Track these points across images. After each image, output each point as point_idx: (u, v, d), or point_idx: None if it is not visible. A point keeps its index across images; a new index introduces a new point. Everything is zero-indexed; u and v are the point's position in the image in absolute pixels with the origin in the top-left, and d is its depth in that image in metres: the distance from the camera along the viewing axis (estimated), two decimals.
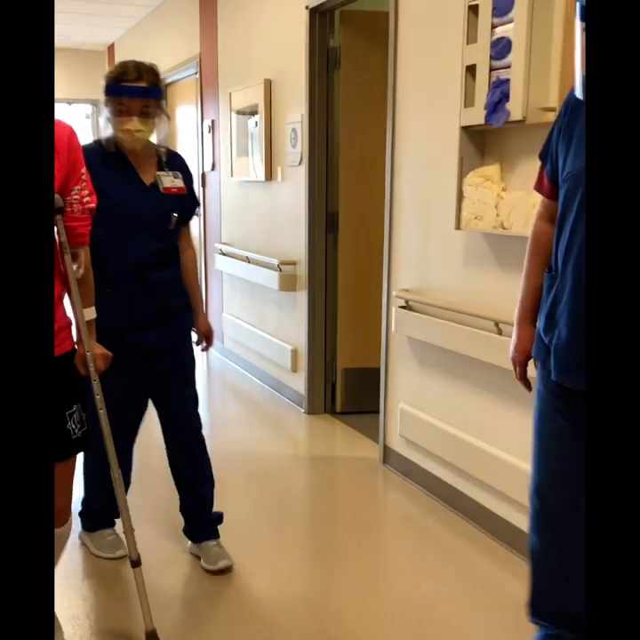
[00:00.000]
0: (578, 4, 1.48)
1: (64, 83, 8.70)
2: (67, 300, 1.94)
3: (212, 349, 2.68)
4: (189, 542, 2.75)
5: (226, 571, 2.61)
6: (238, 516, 3.03)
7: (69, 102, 9.17)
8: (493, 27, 2.54)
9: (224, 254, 5.41)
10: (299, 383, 4.52)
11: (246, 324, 5.19)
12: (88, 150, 2.43)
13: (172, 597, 2.47)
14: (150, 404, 2.64)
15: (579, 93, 1.56)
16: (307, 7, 4.02)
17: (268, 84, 4.64)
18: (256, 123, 4.86)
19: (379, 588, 2.57)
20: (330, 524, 3.08)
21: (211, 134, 5.80)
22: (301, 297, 4.41)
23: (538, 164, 1.90)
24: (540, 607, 1.92)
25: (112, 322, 2.42)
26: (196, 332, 2.70)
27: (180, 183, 2.51)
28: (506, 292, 2.70)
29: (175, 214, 2.48)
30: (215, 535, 2.71)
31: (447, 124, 2.96)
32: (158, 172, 2.48)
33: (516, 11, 2.43)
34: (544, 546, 1.88)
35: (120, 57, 8.42)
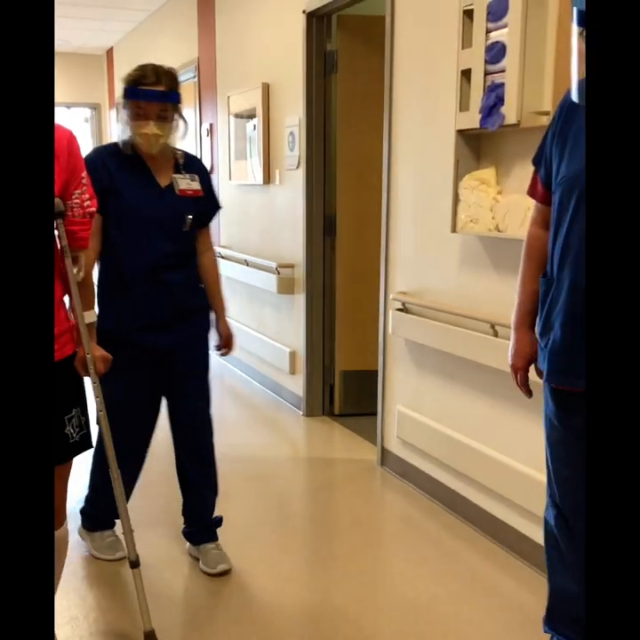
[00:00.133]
0: (575, 10, 1.50)
1: (63, 86, 8.73)
2: (68, 304, 1.95)
3: (210, 351, 2.68)
4: (188, 544, 2.76)
5: (224, 574, 2.63)
6: (237, 517, 3.04)
7: (68, 106, 9.20)
8: (488, 31, 2.56)
9: (223, 257, 5.43)
10: (297, 385, 4.54)
11: (245, 327, 5.21)
12: (105, 153, 2.46)
13: (170, 598, 2.49)
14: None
15: (574, 97, 1.58)
16: (304, 11, 4.05)
17: (266, 88, 4.66)
18: (254, 126, 4.88)
19: (377, 589, 2.58)
20: (328, 526, 3.10)
21: (209, 137, 5.82)
22: (299, 300, 4.42)
23: (532, 166, 1.92)
24: (555, 618, 1.94)
25: (127, 323, 2.44)
26: (217, 336, 2.70)
27: (196, 186, 2.51)
28: (502, 295, 2.72)
29: (190, 216, 2.48)
30: (214, 538, 2.72)
31: (443, 127, 2.98)
32: (174, 175, 2.48)
33: (510, 15, 2.45)
34: (559, 556, 1.90)
35: (119, 61, 8.45)
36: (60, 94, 8.59)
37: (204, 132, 5.89)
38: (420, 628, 2.33)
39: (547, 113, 2.40)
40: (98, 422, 2.11)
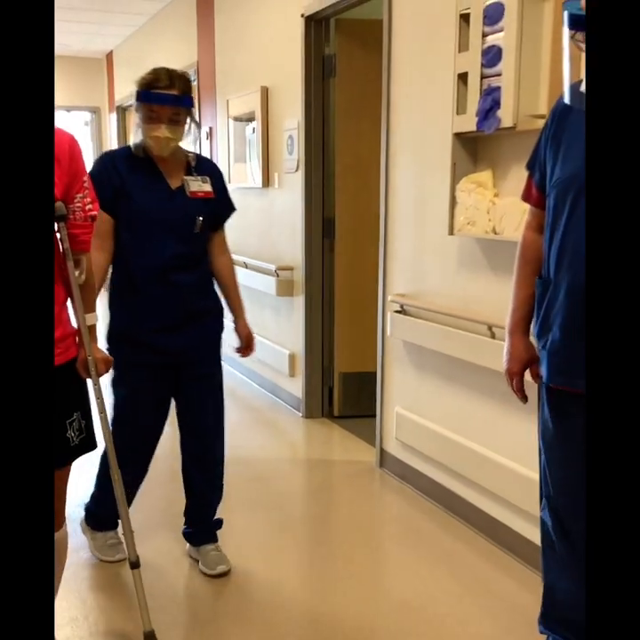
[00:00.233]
0: (566, 13, 1.52)
1: (63, 90, 8.76)
2: (71, 308, 1.96)
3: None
4: (188, 545, 2.78)
5: (223, 575, 2.64)
6: (236, 518, 3.06)
7: (68, 109, 9.22)
8: (484, 35, 2.58)
9: None
10: (296, 387, 4.55)
11: None
12: (116, 156, 2.48)
13: (170, 599, 2.50)
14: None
15: (567, 99, 1.60)
16: (302, 15, 4.07)
17: (265, 92, 4.69)
18: (253, 129, 4.90)
19: (375, 589, 2.60)
20: (327, 527, 3.11)
21: (208, 141, 5.84)
22: (298, 302, 4.44)
23: None
24: (551, 618, 1.95)
25: (138, 324, 2.46)
26: (237, 338, 2.70)
27: (207, 188, 2.52)
28: (499, 296, 2.74)
29: (200, 218, 2.49)
30: (214, 539, 2.73)
31: (440, 130, 3.00)
32: (185, 177, 2.49)
33: (506, 20, 2.47)
34: (554, 556, 1.91)
35: (118, 64, 8.47)
36: (59, 98, 8.61)
37: (204, 135, 5.91)
38: (418, 629, 2.34)
39: (542, 116, 2.42)
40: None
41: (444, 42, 2.92)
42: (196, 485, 2.68)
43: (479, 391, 2.92)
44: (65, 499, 1.98)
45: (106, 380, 2.14)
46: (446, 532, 2.99)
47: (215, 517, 2.74)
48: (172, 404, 2.63)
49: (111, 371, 2.43)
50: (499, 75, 2.53)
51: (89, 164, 2.11)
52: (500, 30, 2.51)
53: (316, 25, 4.08)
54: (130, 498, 2.67)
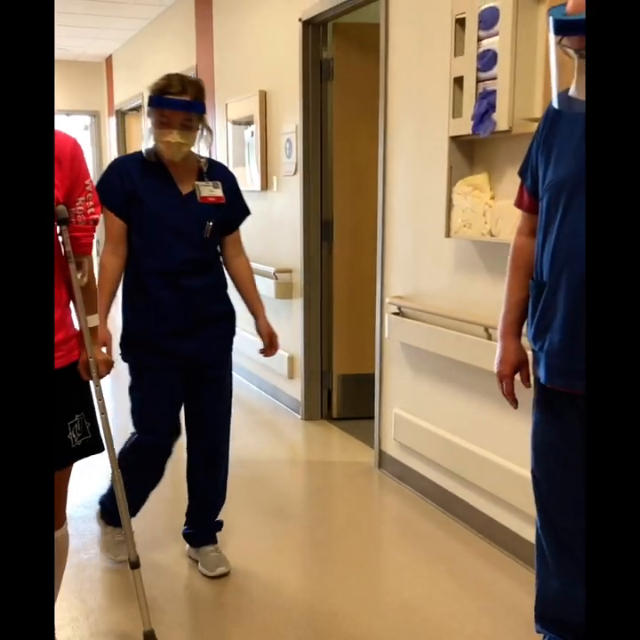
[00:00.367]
0: (551, 19, 1.54)
1: (62, 94, 8.79)
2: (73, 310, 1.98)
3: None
4: (188, 545, 2.79)
5: (223, 576, 2.65)
6: (236, 519, 3.08)
7: (68, 113, 9.24)
8: (480, 39, 2.61)
9: None
10: (295, 390, 4.57)
11: (243, 332, 5.24)
12: (129, 161, 2.51)
13: (170, 599, 2.52)
14: None
15: (555, 104, 1.63)
16: (300, 20, 4.09)
17: (263, 96, 4.71)
18: (252, 132, 4.92)
19: (374, 589, 2.61)
20: (326, 528, 3.13)
21: (205, 144, 5.85)
22: (297, 305, 4.46)
23: None
24: (545, 616, 1.97)
25: (149, 329, 2.48)
26: (260, 337, 2.71)
27: (219, 193, 2.53)
28: (495, 298, 2.76)
29: (211, 223, 2.49)
30: (214, 541, 2.75)
31: (437, 133, 3.03)
32: (197, 182, 2.51)
33: (500, 24, 2.50)
34: (546, 556, 1.94)
35: (118, 68, 8.50)
36: (59, 102, 8.64)
37: None
38: (417, 629, 2.36)
39: (537, 119, 2.43)
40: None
41: (440, 46, 2.95)
42: (200, 488, 2.70)
43: (476, 392, 2.94)
44: (66, 498, 1.99)
45: (113, 383, 2.17)
46: (444, 533, 3.01)
47: (216, 519, 2.76)
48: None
49: (128, 375, 2.45)
50: (494, 78, 2.55)
51: (91, 168, 2.13)
52: (495, 34, 2.53)
53: (313, 29, 4.11)
54: (143, 499, 2.69)
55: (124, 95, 8.15)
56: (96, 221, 1.95)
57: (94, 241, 1.99)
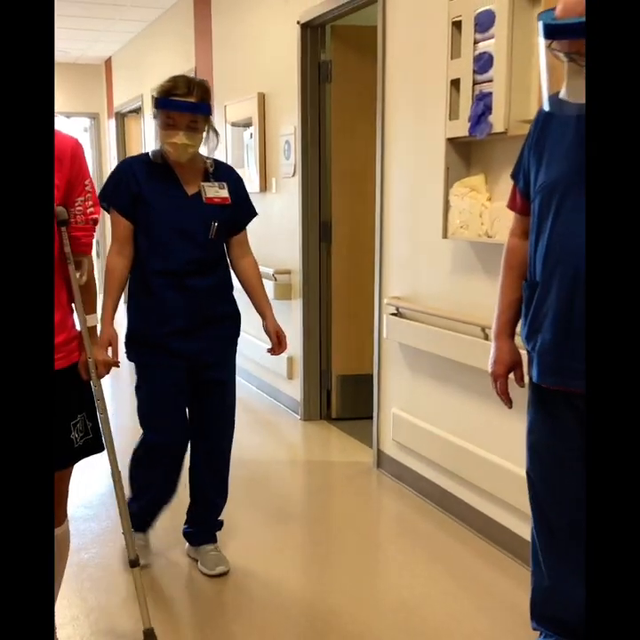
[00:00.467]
0: (540, 24, 1.57)
1: (62, 96, 8.80)
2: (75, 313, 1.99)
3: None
4: (187, 544, 2.81)
5: (222, 575, 2.67)
6: (236, 518, 3.10)
7: (67, 116, 9.26)
8: (476, 42, 2.63)
9: None
10: (295, 390, 4.59)
11: (243, 333, 5.25)
12: (135, 162, 2.53)
13: (170, 597, 2.54)
14: None
15: (546, 107, 1.65)
16: (298, 22, 4.12)
17: (262, 98, 4.73)
18: (251, 134, 4.95)
19: (372, 588, 2.63)
20: (325, 527, 3.15)
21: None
22: (296, 305, 4.48)
23: None
24: (541, 614, 1.99)
25: (153, 329, 2.49)
26: (268, 337, 2.71)
27: (224, 194, 2.54)
28: (492, 298, 2.76)
29: (216, 224, 2.51)
30: (213, 540, 2.77)
31: (434, 135, 3.05)
32: (203, 183, 2.52)
33: (496, 27, 2.52)
34: (542, 553, 1.96)
35: (117, 71, 8.52)
36: (58, 104, 8.66)
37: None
38: (414, 626, 2.38)
39: None
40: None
41: (437, 48, 2.97)
42: (202, 488, 2.71)
43: (474, 392, 2.95)
44: (67, 496, 2.01)
45: (114, 383, 2.18)
46: (443, 532, 3.03)
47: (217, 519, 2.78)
48: None
49: (129, 375, 2.46)
50: (490, 81, 2.57)
51: (90, 170, 2.15)
52: (491, 37, 2.55)
53: (311, 32, 4.13)
54: (166, 499, 2.70)
55: (124, 97, 8.18)
56: (96, 221, 1.96)
57: (94, 241, 2.01)
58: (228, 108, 5.27)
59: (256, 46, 4.81)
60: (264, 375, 5.04)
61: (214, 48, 5.55)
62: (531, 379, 1.89)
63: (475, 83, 2.65)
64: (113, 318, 2.44)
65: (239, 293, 2.69)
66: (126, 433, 2.71)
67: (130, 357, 2.57)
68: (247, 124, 4.99)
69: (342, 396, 4.45)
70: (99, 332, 2.16)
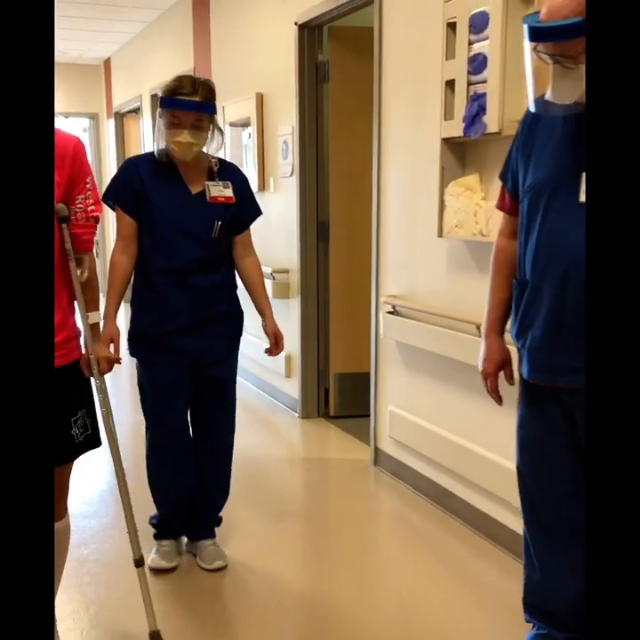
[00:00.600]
0: (525, 27, 1.59)
1: (61, 97, 8.82)
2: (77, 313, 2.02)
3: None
4: (186, 539, 2.84)
5: (221, 570, 2.70)
6: (235, 515, 3.12)
7: (66, 116, 9.27)
8: (470, 43, 2.66)
9: None
10: (293, 388, 4.62)
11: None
12: (139, 161, 2.55)
13: (168, 593, 2.56)
14: None
15: (532, 108, 1.69)
16: (296, 23, 4.15)
17: (260, 98, 4.76)
18: (249, 134, 4.97)
19: (370, 584, 2.66)
20: (323, 524, 3.17)
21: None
22: (294, 304, 4.51)
23: None
24: (533, 606, 2.02)
25: (156, 327, 2.52)
26: (267, 337, 2.73)
27: (228, 193, 2.55)
28: (486, 296, 2.80)
29: (219, 223, 2.52)
30: (212, 535, 2.80)
31: (429, 135, 3.07)
32: (207, 182, 2.54)
33: (490, 28, 2.55)
34: (533, 547, 1.99)
35: (116, 71, 8.55)
36: (58, 104, 8.68)
37: None
38: (412, 623, 2.40)
39: None
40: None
41: (432, 49, 3.00)
42: (203, 486, 2.74)
43: (470, 389, 2.98)
44: (67, 491, 2.04)
45: (114, 380, 2.20)
46: (439, 528, 3.06)
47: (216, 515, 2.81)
48: None
49: (130, 372, 2.48)
50: (484, 82, 2.60)
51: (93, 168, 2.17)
52: (486, 38, 2.58)
53: (309, 32, 4.16)
54: (183, 497, 2.71)
55: (123, 97, 8.20)
56: (97, 219, 1.98)
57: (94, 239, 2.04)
58: (227, 108, 5.30)
59: (254, 47, 4.84)
60: (262, 374, 5.07)
61: (213, 49, 5.58)
62: (521, 375, 1.92)
63: (469, 83, 2.69)
64: (116, 315, 2.46)
65: (241, 292, 2.72)
66: (126, 428, 2.72)
67: (132, 353, 2.60)
68: (245, 125, 5.02)
69: (340, 394, 4.48)
70: (101, 329, 2.19)
